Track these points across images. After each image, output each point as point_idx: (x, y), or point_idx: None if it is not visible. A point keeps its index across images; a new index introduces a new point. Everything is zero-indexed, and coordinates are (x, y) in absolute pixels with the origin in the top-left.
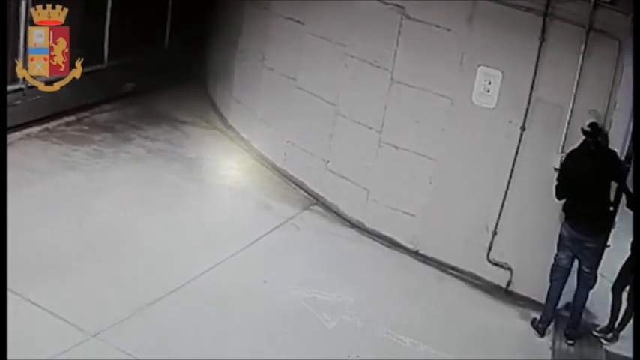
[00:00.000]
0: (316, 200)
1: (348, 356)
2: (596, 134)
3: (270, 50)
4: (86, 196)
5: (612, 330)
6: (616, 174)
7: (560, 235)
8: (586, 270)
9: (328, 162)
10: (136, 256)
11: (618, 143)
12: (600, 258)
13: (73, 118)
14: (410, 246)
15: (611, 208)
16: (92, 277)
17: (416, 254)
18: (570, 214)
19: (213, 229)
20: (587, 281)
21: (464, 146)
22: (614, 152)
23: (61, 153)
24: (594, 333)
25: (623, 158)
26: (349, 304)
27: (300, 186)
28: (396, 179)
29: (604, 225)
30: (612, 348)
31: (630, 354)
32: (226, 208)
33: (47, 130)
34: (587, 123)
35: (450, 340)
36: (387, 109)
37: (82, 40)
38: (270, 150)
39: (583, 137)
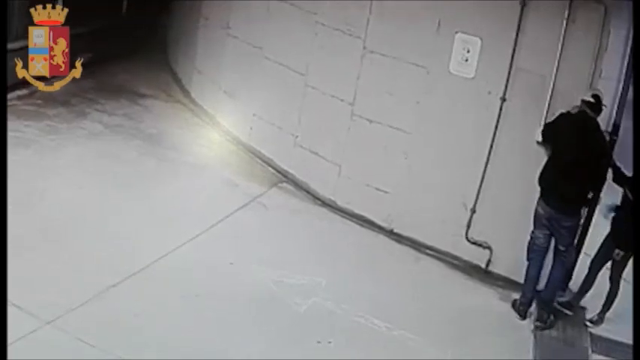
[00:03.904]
0: (285, 177)
1: (319, 342)
2: (597, 109)
3: (235, 18)
4: (40, 175)
5: (572, 301)
6: (597, 159)
7: (536, 213)
8: (562, 248)
9: (297, 136)
10: (95, 239)
11: (605, 113)
12: (575, 236)
13: (25, 91)
14: (384, 225)
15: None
16: (47, 262)
17: (391, 233)
18: (546, 190)
19: (176, 209)
20: (562, 259)
21: (441, 119)
22: (604, 139)
23: (12, 129)
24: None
25: (610, 128)
26: (320, 287)
27: (267, 162)
28: (370, 154)
29: (580, 203)
30: (598, 331)
31: (617, 337)
32: (189, 186)
33: None
34: (590, 94)
35: (426, 324)
36: (360, 79)
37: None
38: (236, 124)
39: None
